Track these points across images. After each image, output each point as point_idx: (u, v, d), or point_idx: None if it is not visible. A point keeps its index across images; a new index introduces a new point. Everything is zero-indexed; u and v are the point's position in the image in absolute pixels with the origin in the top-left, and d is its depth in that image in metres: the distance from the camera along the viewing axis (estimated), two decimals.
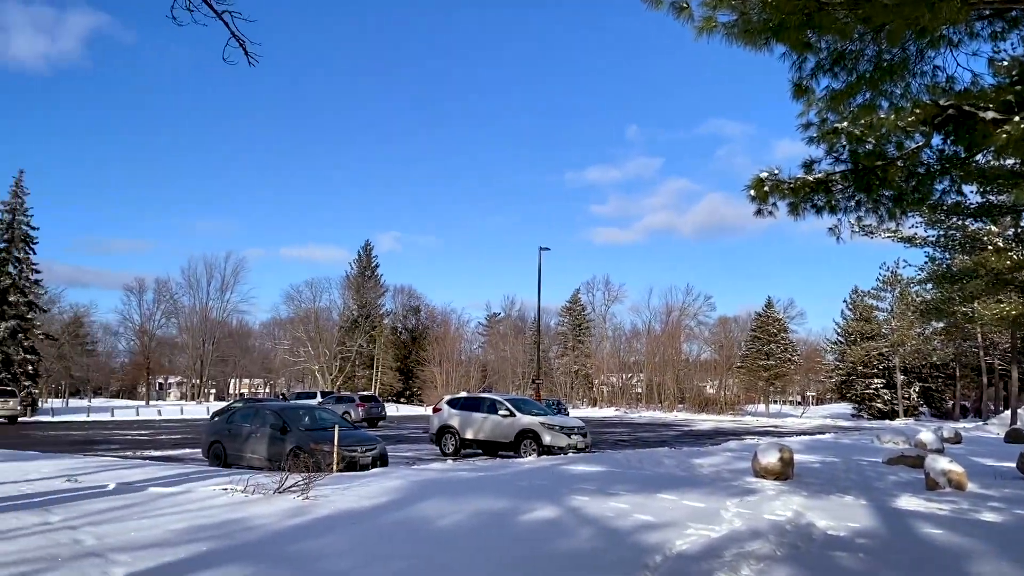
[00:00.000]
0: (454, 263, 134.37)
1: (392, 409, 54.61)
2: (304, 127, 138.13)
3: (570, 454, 18.29)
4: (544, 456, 18.07)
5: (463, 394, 25.07)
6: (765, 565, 6.98)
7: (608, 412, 64.61)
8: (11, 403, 39.84)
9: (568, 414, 42.25)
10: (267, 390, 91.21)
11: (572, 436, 19.42)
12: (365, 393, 49.43)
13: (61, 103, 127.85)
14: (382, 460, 16.04)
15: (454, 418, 21.09)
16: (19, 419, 40.57)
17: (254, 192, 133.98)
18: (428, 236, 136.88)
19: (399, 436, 29.39)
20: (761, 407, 70.92)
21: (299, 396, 47.01)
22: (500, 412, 20.17)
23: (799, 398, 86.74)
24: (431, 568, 6.75)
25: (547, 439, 19.07)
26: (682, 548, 7.57)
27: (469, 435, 20.64)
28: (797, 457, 13.68)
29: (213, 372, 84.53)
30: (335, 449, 14.37)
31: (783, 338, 70.89)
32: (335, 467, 13.94)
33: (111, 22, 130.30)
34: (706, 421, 49.42)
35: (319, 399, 40.58)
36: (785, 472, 12.78)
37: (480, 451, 20.54)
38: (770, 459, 12.88)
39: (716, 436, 31.21)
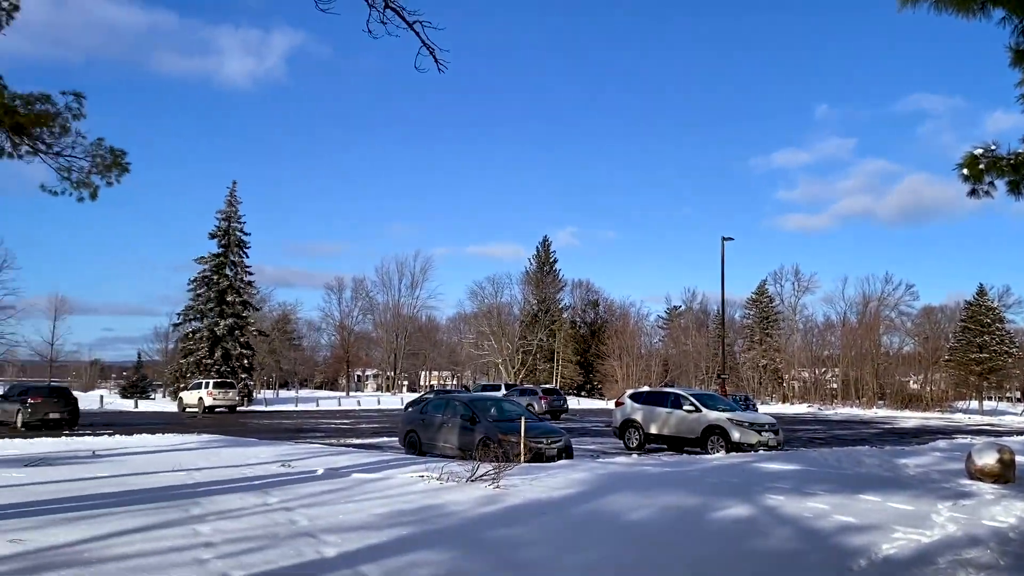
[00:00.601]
0: (632, 256, 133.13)
1: (573, 402, 55.03)
2: (483, 129, 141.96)
3: (760, 451, 17.60)
4: (733, 453, 17.51)
5: (645, 388, 24.81)
6: (987, 575, 6.38)
7: (800, 408, 61.52)
8: (231, 394, 43.90)
9: (756, 410, 40.76)
10: (454, 382, 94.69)
11: (763, 433, 18.68)
12: (547, 386, 50.09)
13: (267, 118, 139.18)
14: (567, 452, 16.18)
15: (637, 412, 20.91)
16: (237, 408, 44.64)
17: (439, 194, 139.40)
18: (605, 230, 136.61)
19: (582, 429, 29.55)
20: (973, 404, 64.86)
21: (484, 388, 48.41)
22: (685, 407, 19.75)
23: (1018, 394, 78.57)
24: (624, 561, 6.72)
25: (736, 436, 18.45)
26: (889, 552, 7.08)
27: (653, 430, 20.38)
28: (1019, 459, 12.41)
29: (405, 365, 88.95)
30: (522, 440, 14.65)
31: (998, 329, 64.50)
32: (523, 458, 14.22)
33: (309, 39, 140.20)
34: (909, 418, 45.95)
35: (503, 391, 41.61)
36: (1005, 475, 11.62)
37: (664, 447, 20.23)
38: (988, 460, 11.76)
39: (922, 435, 28.90)
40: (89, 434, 22.86)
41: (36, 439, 20.35)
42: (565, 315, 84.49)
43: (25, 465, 12.92)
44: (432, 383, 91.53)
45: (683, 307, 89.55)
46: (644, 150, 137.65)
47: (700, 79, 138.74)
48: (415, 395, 54.01)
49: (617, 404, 22.44)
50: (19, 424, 26.18)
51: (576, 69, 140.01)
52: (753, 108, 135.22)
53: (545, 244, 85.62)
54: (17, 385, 32.70)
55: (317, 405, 52.68)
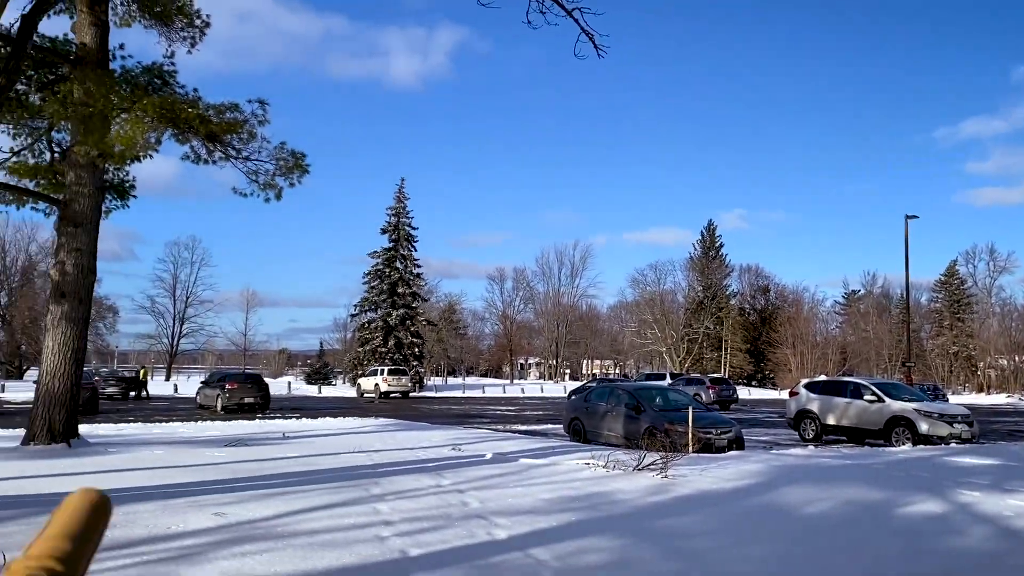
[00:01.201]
0: (805, 238, 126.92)
1: (743, 392, 53.32)
2: (638, 113, 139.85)
3: (952, 444, 16.33)
4: (920, 446, 16.35)
5: (822, 377, 23.64)
6: None
7: (998, 399, 56.48)
8: (403, 380, 45.95)
9: (947, 400, 37.81)
10: (616, 371, 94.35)
11: (954, 425, 17.30)
12: (715, 375, 48.85)
13: (431, 115, 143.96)
14: (738, 443, 15.72)
15: (813, 403, 19.95)
16: (410, 394, 46.66)
17: (598, 182, 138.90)
18: (776, 211, 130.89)
19: (753, 420, 28.58)
20: None
21: (648, 377, 47.87)
22: (866, 397, 18.63)
23: None
24: (800, 555, 6.44)
25: (924, 427, 17.20)
26: None
27: (831, 420, 19.38)
28: None
29: (567, 353, 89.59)
30: (690, 430, 14.38)
31: None
32: (691, 448, 13.95)
33: (471, 34, 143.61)
34: None
35: (668, 380, 40.96)
36: None
37: (843, 438, 19.19)
38: None
39: None
40: (279, 417, 24.68)
41: (233, 421, 22.20)
42: (733, 302, 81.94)
43: (225, 445, 14.11)
44: (594, 372, 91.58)
45: (862, 291, 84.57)
46: (814, 125, 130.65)
47: (876, 45, 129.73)
48: (578, 383, 54.25)
49: (791, 394, 21.52)
50: (219, 408, 28.63)
51: (738, 40, 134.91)
52: (938, 74, 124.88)
53: (710, 228, 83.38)
54: (216, 372, 35.83)
55: (483, 392, 54.09)
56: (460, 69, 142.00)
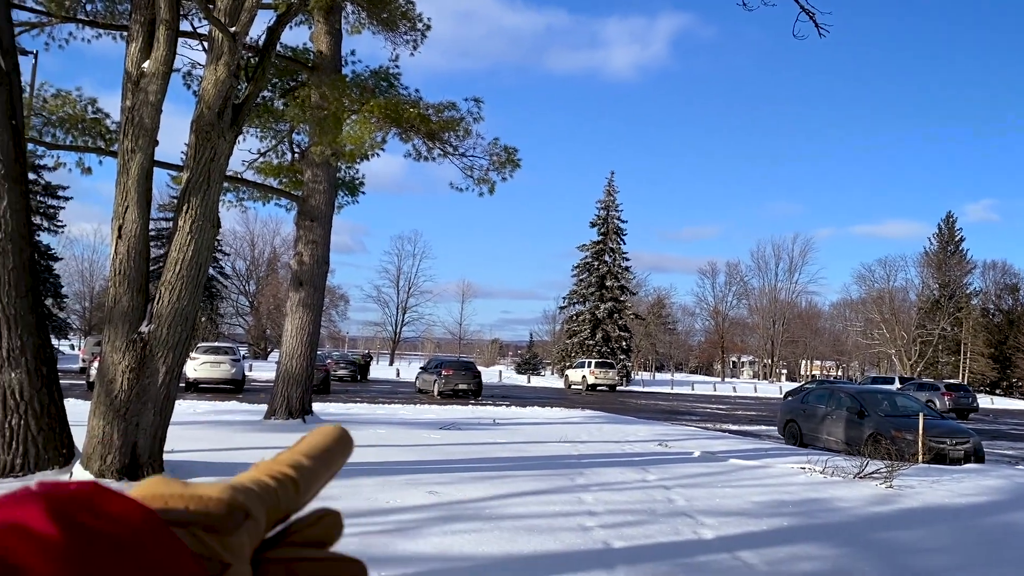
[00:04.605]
0: None
1: (984, 401, 48.14)
2: (868, 97, 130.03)
3: None
4: None
5: None
6: None
7: None
8: (611, 373, 45.98)
9: None
10: (838, 372, 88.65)
11: None
12: (951, 381, 44.53)
13: (646, 105, 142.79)
14: (976, 455, 14.22)
15: None
16: (617, 387, 46.61)
17: (820, 171, 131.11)
18: None
19: (995, 431, 25.72)
20: None
21: (874, 380, 44.54)
22: None
23: None
24: None
25: None
26: None
27: None
28: None
29: (783, 352, 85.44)
30: (920, 438, 13.20)
31: None
32: (920, 457, 12.81)
33: (694, 20, 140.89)
34: None
35: (897, 385, 37.87)
36: None
37: None
38: None
39: None
40: (490, 404, 25.61)
41: (448, 406, 23.30)
42: (974, 301, 74.12)
43: (440, 428, 14.83)
44: (813, 372, 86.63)
45: None
46: None
47: None
48: (794, 384, 51.61)
49: None
50: (435, 392, 30.20)
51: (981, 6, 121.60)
52: None
53: (949, 220, 76.05)
54: (434, 359, 37.81)
55: (692, 389, 52.91)
56: (680, 57, 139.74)
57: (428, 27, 15.82)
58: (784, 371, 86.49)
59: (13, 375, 7.57)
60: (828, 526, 7.34)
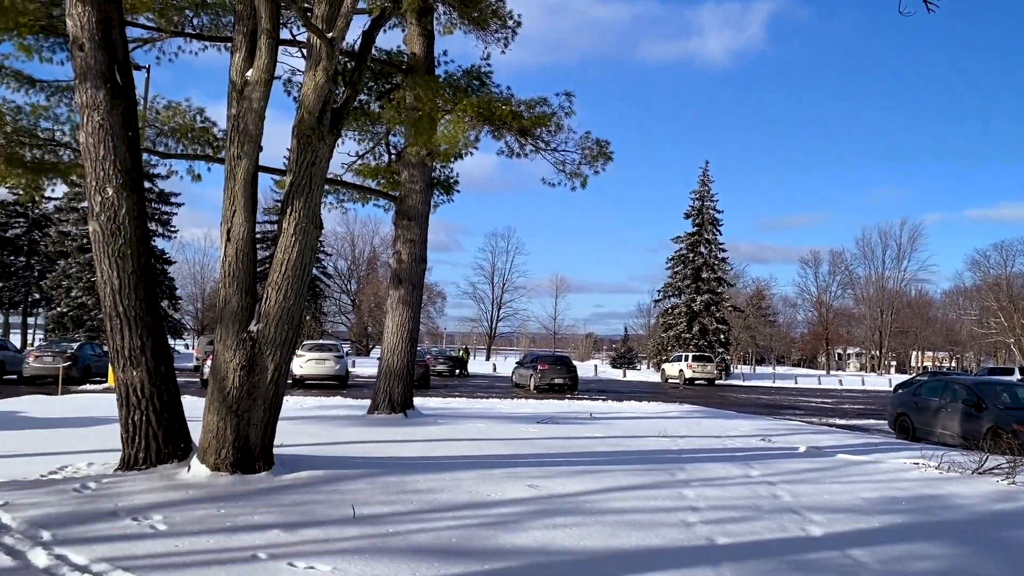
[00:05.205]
0: None
1: None
2: (980, 76, 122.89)
3: None
4: None
5: None
6: None
7: None
8: (708, 367, 45.13)
9: None
10: (951, 364, 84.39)
11: None
12: None
13: (742, 92, 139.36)
14: None
15: None
16: (715, 381, 45.72)
17: (931, 154, 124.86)
18: None
19: None
20: None
21: (991, 372, 42.16)
22: None
23: None
24: None
25: None
26: None
27: None
28: None
29: (892, 344, 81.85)
30: None
31: None
32: None
33: (789, 1, 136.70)
34: None
35: (1018, 376, 35.73)
36: None
37: None
38: None
39: None
40: (586, 398, 25.55)
41: (544, 400, 23.37)
42: None
43: (537, 422, 14.89)
44: (925, 364, 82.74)
45: None
46: None
47: None
48: (905, 376, 49.43)
49: None
50: (531, 387, 30.32)
51: None
52: None
53: None
54: (529, 354, 38.02)
55: (795, 382, 51.35)
56: (776, 41, 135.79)
57: (518, 24, 15.87)
58: (893, 363, 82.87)
59: (135, 373, 8.02)
60: (945, 524, 7.00)
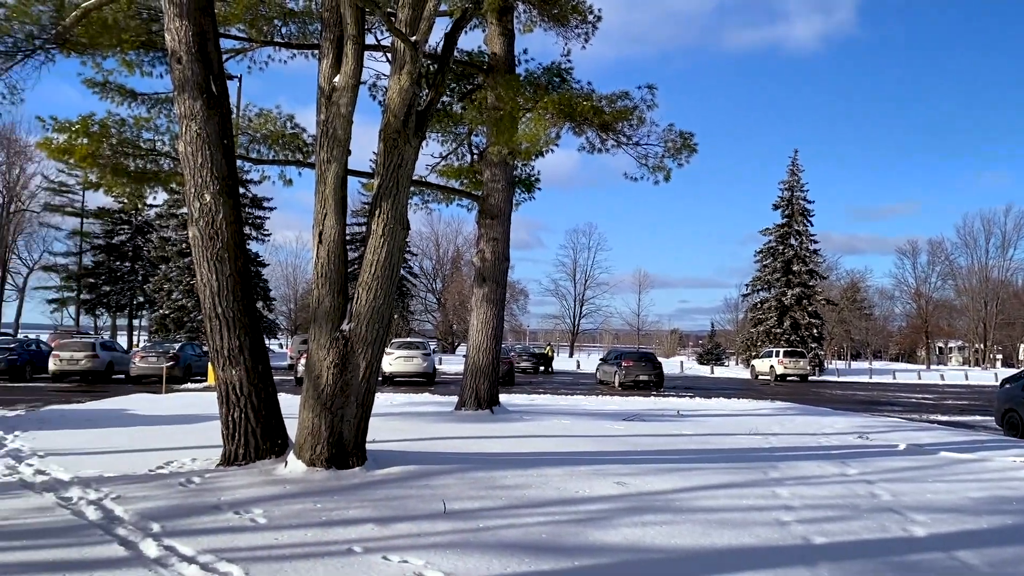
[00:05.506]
0: None
1: None
2: None
3: None
4: None
5: None
6: None
7: None
8: (801, 363, 43.89)
9: None
10: None
11: None
12: None
13: (832, 77, 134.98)
14: None
15: None
16: (808, 377, 44.43)
17: None
18: None
19: None
20: None
21: None
22: None
23: None
24: None
25: None
26: None
27: None
28: None
29: (998, 336, 77.76)
30: None
31: None
32: None
33: None
34: None
35: None
36: None
37: None
38: None
39: None
40: (672, 395, 25.22)
41: (629, 397, 23.20)
42: None
43: (623, 419, 14.80)
44: None
45: None
46: None
47: None
48: (1012, 370, 46.98)
49: None
50: (616, 383, 30.16)
51: None
52: None
53: None
54: (613, 350, 37.76)
55: (893, 378, 49.41)
56: (868, 23, 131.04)
57: (599, 19, 15.78)
58: (999, 356, 78.70)
59: (234, 372, 8.35)
60: None
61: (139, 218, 55.24)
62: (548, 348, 50.37)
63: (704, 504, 7.02)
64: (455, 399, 16.39)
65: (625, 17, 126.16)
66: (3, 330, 51.56)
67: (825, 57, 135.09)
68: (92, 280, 56.14)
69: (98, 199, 54.93)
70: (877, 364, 68.81)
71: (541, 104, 13.64)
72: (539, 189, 17.77)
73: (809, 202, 54.43)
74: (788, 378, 43.02)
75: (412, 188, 13.69)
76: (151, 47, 12.53)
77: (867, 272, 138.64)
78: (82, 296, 56.27)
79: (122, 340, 54.82)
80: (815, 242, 55.00)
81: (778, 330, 51.98)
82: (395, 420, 13.22)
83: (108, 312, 58.77)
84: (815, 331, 52.86)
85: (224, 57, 10.87)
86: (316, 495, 6.90)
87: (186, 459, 8.70)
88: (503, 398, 16.90)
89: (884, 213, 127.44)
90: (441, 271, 77.30)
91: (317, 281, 8.31)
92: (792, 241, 54.09)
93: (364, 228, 11.22)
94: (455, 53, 11.60)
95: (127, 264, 56.16)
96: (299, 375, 24.50)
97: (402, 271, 61.42)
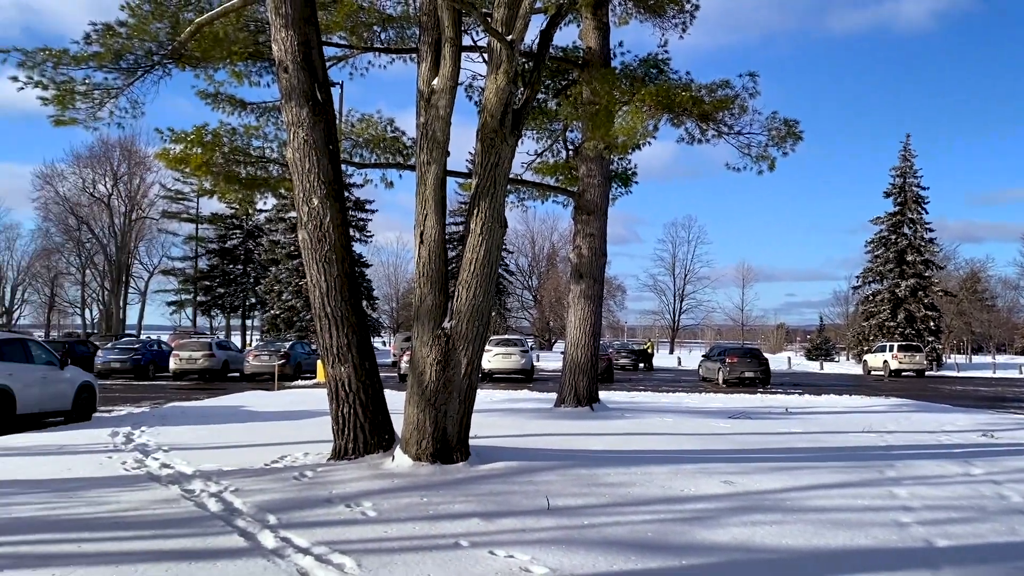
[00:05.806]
0: None
1: None
2: None
3: None
4: None
5: None
6: None
7: None
8: (917, 357, 41.82)
9: None
10: None
11: None
12: None
13: (946, 56, 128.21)
14: None
15: None
16: (925, 373, 42.32)
17: None
18: None
19: None
20: None
21: None
22: None
23: None
24: None
25: None
26: None
27: None
28: None
29: None
30: None
31: None
32: None
33: None
34: None
35: None
36: None
37: None
38: None
39: None
40: (780, 392, 24.47)
41: (734, 394, 22.65)
42: None
43: (728, 417, 14.47)
44: None
45: None
46: None
47: None
48: None
49: None
50: (720, 380, 29.48)
51: None
52: None
53: None
54: (716, 346, 36.94)
55: (1020, 372, 46.48)
56: None
57: (696, 7, 15.48)
58: None
59: (342, 369, 8.61)
60: None
61: (250, 223, 57.73)
62: (648, 344, 49.76)
63: (816, 504, 6.79)
64: (554, 396, 16.41)
65: (724, 4, 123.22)
66: (128, 332, 54.90)
67: (938, 35, 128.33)
68: (207, 283, 59.12)
69: (211, 205, 57.86)
70: (1001, 358, 64.82)
71: (638, 96, 13.47)
72: (636, 183, 17.58)
73: (923, 188, 51.86)
74: (903, 373, 41.08)
75: (508, 186, 13.79)
76: (258, 58, 13.05)
77: (988, 261, 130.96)
78: (198, 298, 59.31)
79: (236, 340, 57.40)
80: (930, 230, 52.35)
81: (892, 323, 49.71)
82: (495, 416, 13.34)
83: (223, 313, 61.72)
84: (932, 324, 50.27)
85: (327, 64, 11.22)
86: (422, 489, 7.04)
87: (299, 453, 9.03)
88: (603, 395, 16.80)
89: (1006, 198, 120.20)
90: (537, 268, 77.55)
91: (419, 280, 8.47)
92: (905, 230, 51.62)
93: (462, 227, 11.37)
94: (550, 49, 11.60)
95: (239, 267, 58.84)
96: (402, 372, 25.03)
97: (499, 269, 62.14)
